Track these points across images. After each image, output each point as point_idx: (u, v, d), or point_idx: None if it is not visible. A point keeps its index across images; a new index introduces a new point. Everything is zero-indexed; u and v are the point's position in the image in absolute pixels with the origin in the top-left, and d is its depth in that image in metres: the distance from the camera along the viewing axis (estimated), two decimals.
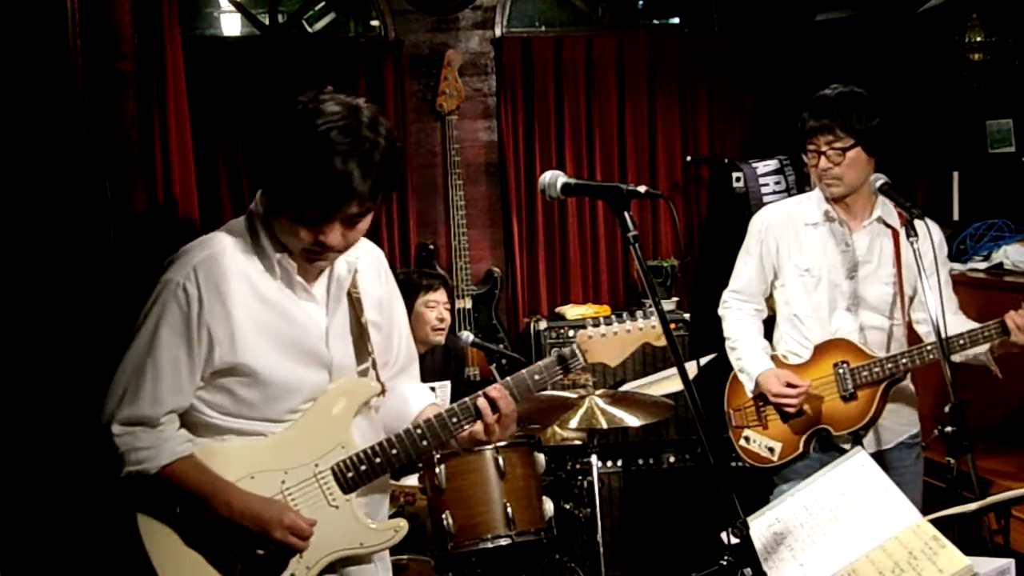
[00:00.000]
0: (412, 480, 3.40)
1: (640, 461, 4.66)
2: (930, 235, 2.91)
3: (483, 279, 5.02)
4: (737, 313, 3.28)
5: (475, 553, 3.05)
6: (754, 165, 4.98)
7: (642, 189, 1.91)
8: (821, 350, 3.08)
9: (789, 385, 3.04)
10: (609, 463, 4.60)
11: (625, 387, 3.90)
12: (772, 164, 4.99)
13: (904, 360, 2.92)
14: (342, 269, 2.12)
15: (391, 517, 3.20)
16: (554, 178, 2.00)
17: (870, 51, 4.77)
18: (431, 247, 4.95)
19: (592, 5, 5.38)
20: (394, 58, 4.89)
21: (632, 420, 3.37)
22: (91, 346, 2.75)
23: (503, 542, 3.05)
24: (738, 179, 4.96)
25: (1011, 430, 3.66)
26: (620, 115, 5.13)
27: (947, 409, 2.58)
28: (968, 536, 2.16)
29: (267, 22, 5.06)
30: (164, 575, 2.01)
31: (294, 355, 2.04)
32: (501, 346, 4.78)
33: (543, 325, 4.73)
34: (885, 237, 3.05)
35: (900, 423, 3.11)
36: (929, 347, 2.87)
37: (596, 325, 2.18)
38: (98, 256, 2.95)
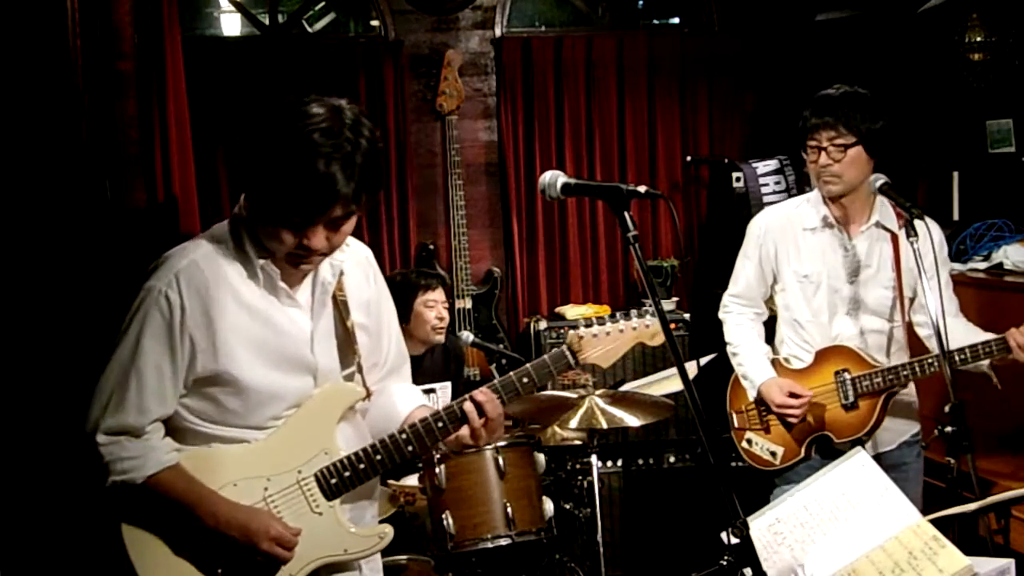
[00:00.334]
0: (412, 480, 3.41)
1: (640, 461, 4.65)
2: (930, 235, 2.91)
3: (483, 279, 5.02)
4: (738, 318, 3.28)
5: (475, 553, 3.05)
6: (754, 165, 4.98)
7: (642, 189, 1.91)
8: (822, 357, 3.08)
9: (792, 395, 3.04)
10: (609, 463, 4.59)
11: (625, 387, 3.90)
12: (772, 164, 4.99)
13: (905, 372, 2.92)
14: (327, 273, 2.09)
15: (391, 517, 3.22)
16: (554, 178, 2.00)
17: (870, 51, 4.77)
18: (431, 247, 4.95)
19: (592, 5, 5.38)
20: (394, 58, 4.89)
21: (632, 420, 3.37)
22: (91, 347, 2.75)
23: (503, 542, 3.05)
24: (738, 179, 4.96)
25: (1011, 431, 3.66)
26: (620, 115, 5.13)
27: (947, 409, 2.58)
28: (968, 536, 2.16)
29: (267, 22, 5.05)
30: None
31: (278, 362, 2.02)
32: (501, 346, 4.78)
33: (543, 325, 4.73)
34: (884, 241, 3.04)
35: (900, 423, 3.11)
36: (931, 359, 2.86)
37: (588, 325, 2.14)
38: (98, 256, 2.94)
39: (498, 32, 5.07)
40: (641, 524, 4.61)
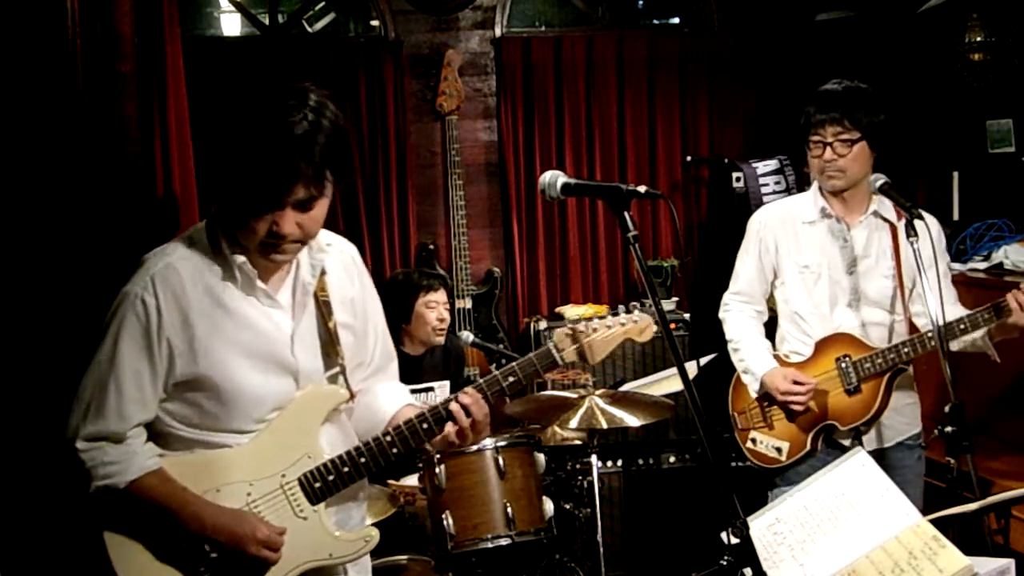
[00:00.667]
0: (412, 480, 3.41)
1: (640, 461, 4.66)
2: (928, 230, 2.91)
3: (483, 279, 5.02)
4: (738, 315, 3.27)
5: (475, 553, 3.05)
6: (754, 165, 4.98)
7: (642, 189, 1.91)
8: (822, 345, 3.08)
9: (796, 383, 3.04)
10: (609, 463, 4.60)
11: (625, 387, 3.90)
12: (772, 164, 4.99)
13: (906, 349, 2.92)
14: (306, 274, 2.07)
15: (391, 517, 3.22)
16: (554, 178, 2.00)
17: (870, 51, 4.77)
18: (431, 247, 4.95)
19: (592, 5, 5.38)
20: (394, 58, 4.89)
21: (632, 420, 3.37)
22: (91, 347, 2.75)
23: (503, 542, 3.05)
24: (738, 179, 4.96)
25: (1012, 430, 3.66)
26: (620, 115, 5.14)
27: (947, 409, 2.58)
28: (968, 536, 2.16)
29: (267, 22, 5.06)
30: None
31: (258, 364, 2.00)
32: (501, 346, 4.78)
33: (543, 325, 4.73)
34: (883, 231, 3.05)
35: (902, 422, 3.11)
36: (930, 334, 2.85)
37: (576, 322, 2.12)
38: (98, 256, 2.94)
39: (498, 32, 5.07)
40: (641, 524, 4.61)
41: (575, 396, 3.51)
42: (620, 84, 5.12)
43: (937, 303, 2.66)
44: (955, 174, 4.54)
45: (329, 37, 5.24)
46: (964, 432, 2.57)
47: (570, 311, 4.89)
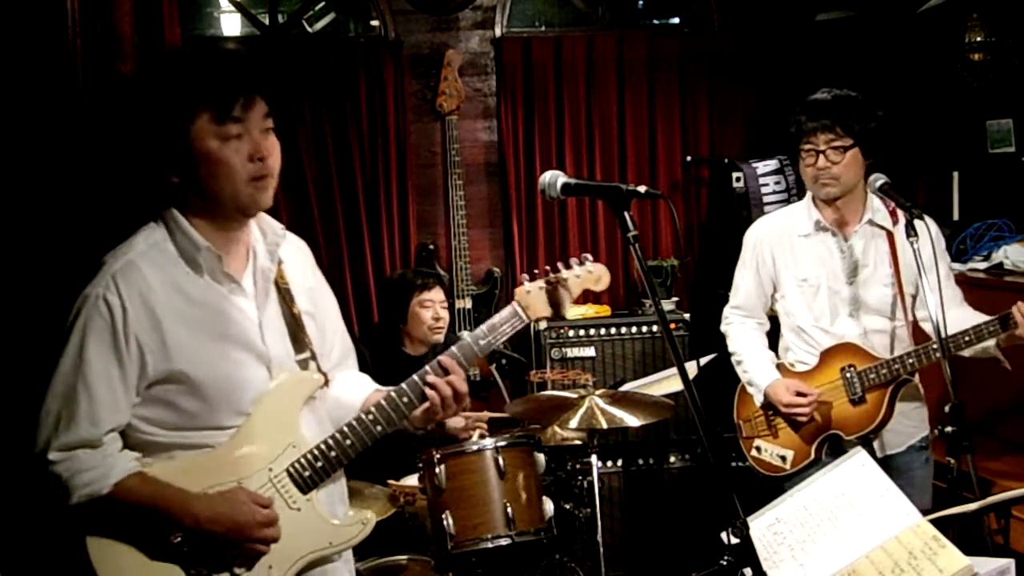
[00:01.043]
0: (412, 480, 3.40)
1: (640, 461, 4.66)
2: (929, 232, 2.90)
3: (483, 279, 5.02)
4: (740, 328, 3.29)
5: (475, 553, 3.05)
6: (754, 165, 4.98)
7: (642, 189, 1.91)
8: (827, 355, 3.08)
9: (799, 394, 3.04)
10: (609, 463, 4.60)
11: (625, 387, 3.90)
12: (772, 164, 4.99)
13: (910, 360, 2.92)
14: (265, 260, 2.05)
15: (391, 517, 3.23)
16: (554, 178, 2.00)
17: (870, 51, 4.77)
18: (431, 247, 4.95)
19: (592, 5, 5.38)
20: (394, 58, 4.89)
21: (632, 420, 3.37)
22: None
23: (503, 542, 3.04)
24: (738, 179, 4.96)
25: (1012, 431, 3.66)
26: (620, 115, 5.13)
27: (947, 409, 2.58)
28: (968, 536, 2.16)
29: (267, 22, 5.05)
30: None
31: (230, 354, 1.96)
32: (501, 346, 4.78)
33: (543, 325, 4.73)
34: (879, 239, 3.05)
35: (909, 426, 3.11)
36: (934, 346, 2.85)
37: (533, 280, 2.16)
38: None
39: (498, 32, 5.07)
40: (641, 524, 4.61)
41: (575, 396, 3.51)
42: (620, 84, 5.11)
43: (937, 303, 2.66)
44: (955, 174, 4.54)
45: (329, 37, 5.24)
46: (964, 432, 2.57)
47: (570, 311, 4.88)
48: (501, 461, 3.09)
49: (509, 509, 3.06)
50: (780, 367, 3.18)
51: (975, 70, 4.31)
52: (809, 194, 3.12)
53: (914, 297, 3.06)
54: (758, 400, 3.18)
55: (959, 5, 4.30)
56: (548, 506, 3.19)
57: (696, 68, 5.20)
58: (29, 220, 2.76)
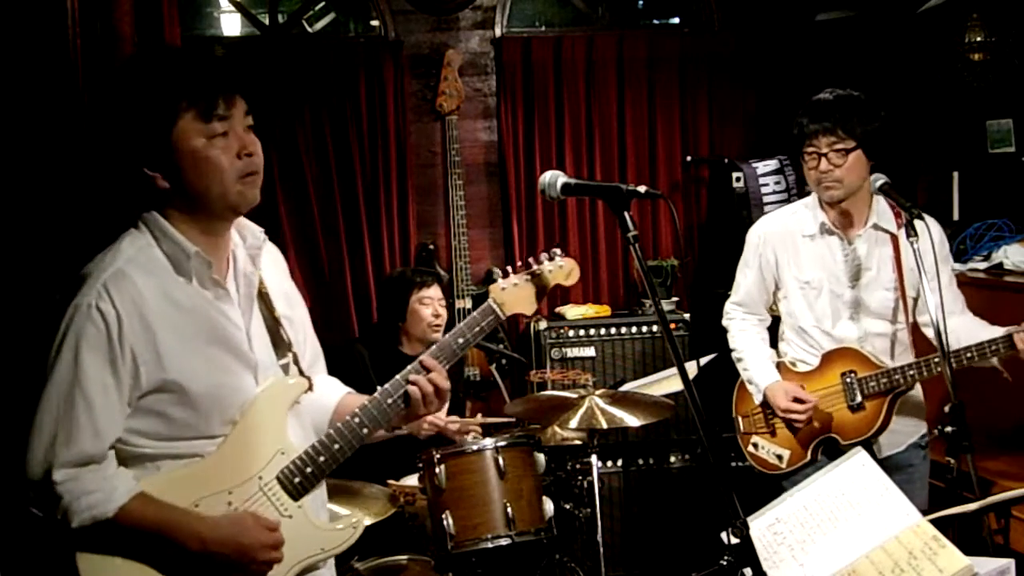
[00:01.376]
0: (412, 480, 3.41)
1: (640, 461, 4.66)
2: (930, 234, 2.88)
3: (483, 279, 5.01)
4: (741, 324, 3.29)
5: (475, 553, 3.05)
6: (754, 165, 4.98)
7: (642, 189, 1.91)
8: (829, 358, 3.08)
9: (796, 400, 3.04)
10: (609, 463, 4.60)
11: (625, 387, 3.90)
12: (772, 164, 4.99)
13: (911, 372, 2.92)
14: (246, 264, 2.02)
15: (391, 517, 3.22)
16: (554, 178, 2.00)
17: (870, 51, 4.77)
18: (431, 247, 4.95)
19: (592, 5, 5.38)
20: (394, 58, 4.89)
21: (632, 420, 3.37)
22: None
23: (503, 542, 3.05)
24: (738, 179, 4.96)
25: (1012, 431, 3.66)
26: (620, 115, 5.13)
27: (947, 409, 2.58)
28: (968, 536, 2.16)
29: (267, 22, 5.05)
30: None
31: (220, 362, 1.92)
32: (501, 346, 4.78)
33: (543, 325, 4.73)
34: (884, 243, 3.04)
35: (908, 427, 3.11)
36: (936, 359, 2.84)
37: (506, 276, 2.20)
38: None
39: (498, 32, 5.07)
40: (641, 524, 4.61)
41: (575, 396, 3.51)
42: (620, 84, 5.11)
43: (937, 304, 2.65)
44: (955, 174, 4.54)
45: (329, 37, 5.24)
46: (964, 432, 2.57)
47: (570, 311, 4.89)
48: (501, 461, 3.10)
49: (509, 509, 3.06)
50: (780, 366, 3.18)
51: (975, 70, 4.31)
52: (815, 195, 3.11)
53: (916, 300, 3.05)
54: (757, 399, 3.18)
55: (959, 5, 4.30)
56: (548, 506, 3.20)
57: (696, 68, 5.20)
58: (29, 220, 2.76)
